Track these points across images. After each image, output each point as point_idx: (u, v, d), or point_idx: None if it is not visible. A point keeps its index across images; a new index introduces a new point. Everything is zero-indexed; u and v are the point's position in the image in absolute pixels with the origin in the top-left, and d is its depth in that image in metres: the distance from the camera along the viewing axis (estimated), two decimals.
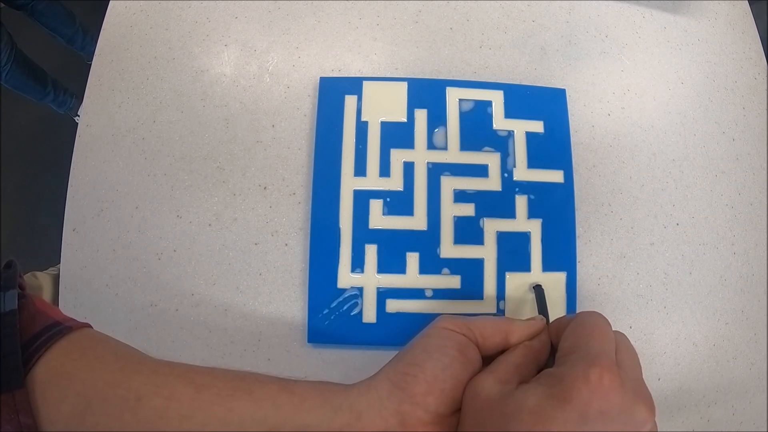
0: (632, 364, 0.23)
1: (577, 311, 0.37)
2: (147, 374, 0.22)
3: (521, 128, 0.40)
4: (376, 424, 0.22)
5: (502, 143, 0.40)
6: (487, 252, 0.37)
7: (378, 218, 0.38)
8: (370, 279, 0.37)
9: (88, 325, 0.24)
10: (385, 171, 0.38)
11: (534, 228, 0.38)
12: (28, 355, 0.21)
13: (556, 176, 0.39)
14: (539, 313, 0.33)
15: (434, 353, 0.24)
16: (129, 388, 0.21)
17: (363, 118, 0.40)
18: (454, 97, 0.40)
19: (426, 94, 0.40)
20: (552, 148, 0.40)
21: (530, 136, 0.40)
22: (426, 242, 0.37)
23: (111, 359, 0.22)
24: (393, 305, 0.36)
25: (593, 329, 0.23)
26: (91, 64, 0.43)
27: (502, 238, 0.38)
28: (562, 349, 0.23)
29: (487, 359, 0.25)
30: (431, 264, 0.37)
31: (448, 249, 0.37)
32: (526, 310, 0.37)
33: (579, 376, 0.20)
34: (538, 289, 0.35)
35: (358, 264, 0.37)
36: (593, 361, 0.21)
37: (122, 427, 0.21)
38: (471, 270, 0.37)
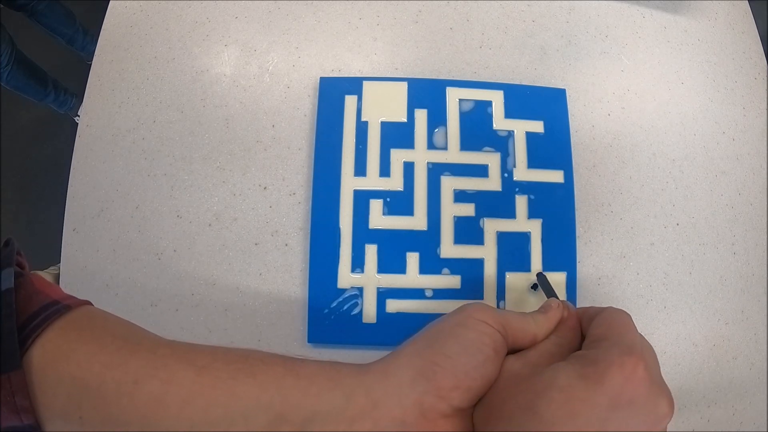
0: (655, 362, 0.23)
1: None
2: (145, 355, 0.21)
3: (521, 128, 0.40)
4: (394, 413, 0.20)
5: (502, 143, 0.40)
6: (487, 252, 0.37)
7: (378, 218, 0.38)
8: (370, 279, 0.37)
9: (87, 303, 0.23)
10: (385, 171, 0.38)
11: (534, 228, 0.38)
12: (25, 336, 0.20)
13: (556, 176, 0.39)
14: (548, 298, 0.32)
15: (470, 348, 0.22)
16: (126, 371, 0.20)
17: (363, 118, 0.40)
18: (454, 97, 0.40)
19: (426, 94, 0.40)
20: (552, 148, 0.40)
21: (530, 136, 0.40)
22: (426, 242, 0.37)
23: (108, 340, 0.21)
24: (393, 305, 0.36)
25: (626, 323, 0.24)
26: (91, 64, 0.43)
27: (502, 238, 0.38)
28: (592, 335, 0.23)
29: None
30: (431, 264, 0.37)
31: (448, 249, 0.37)
32: (528, 310, 0.37)
33: (614, 361, 0.20)
34: (540, 277, 0.35)
35: (358, 264, 0.37)
36: (629, 351, 0.21)
37: (120, 413, 0.20)
38: (471, 270, 0.37)
